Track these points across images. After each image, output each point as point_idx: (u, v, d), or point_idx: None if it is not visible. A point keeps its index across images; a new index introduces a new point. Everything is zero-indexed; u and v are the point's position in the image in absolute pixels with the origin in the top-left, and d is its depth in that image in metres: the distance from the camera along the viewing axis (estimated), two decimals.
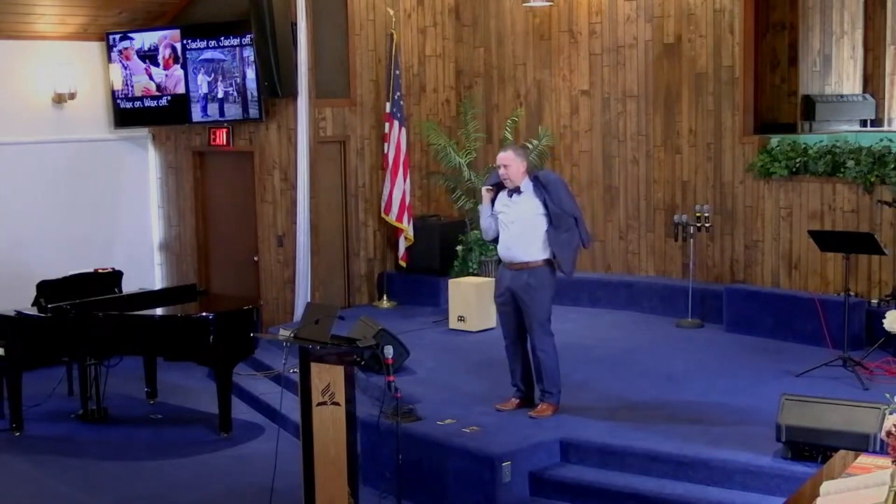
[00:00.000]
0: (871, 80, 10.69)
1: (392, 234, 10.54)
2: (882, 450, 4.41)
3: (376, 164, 10.48)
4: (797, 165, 9.02)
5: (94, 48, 10.57)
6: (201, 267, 10.96)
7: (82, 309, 8.01)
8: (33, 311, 8.16)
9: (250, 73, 9.83)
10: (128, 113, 10.62)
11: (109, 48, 10.51)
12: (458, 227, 10.48)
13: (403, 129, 10.18)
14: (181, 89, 10.30)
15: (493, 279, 8.12)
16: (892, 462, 3.68)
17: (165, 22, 10.66)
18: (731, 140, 9.55)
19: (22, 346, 8.12)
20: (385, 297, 10.46)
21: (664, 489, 5.97)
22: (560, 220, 6.75)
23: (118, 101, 10.60)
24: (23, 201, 10.12)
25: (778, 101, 9.86)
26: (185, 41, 10.20)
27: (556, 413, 6.85)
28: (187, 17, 10.58)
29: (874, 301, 8.46)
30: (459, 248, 10.22)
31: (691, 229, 9.38)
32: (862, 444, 5.41)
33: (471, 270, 10.10)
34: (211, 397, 8.09)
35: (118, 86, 10.58)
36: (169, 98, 10.39)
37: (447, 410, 6.98)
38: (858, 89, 10.57)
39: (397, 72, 10.17)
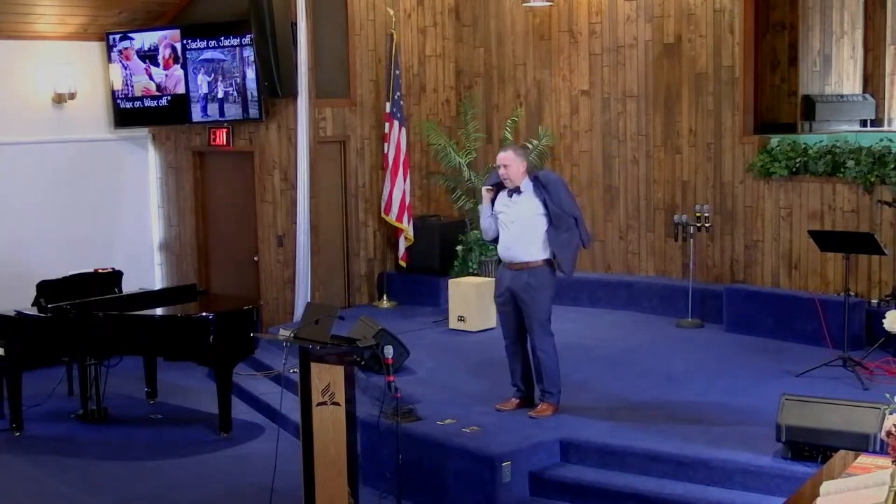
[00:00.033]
0: (871, 80, 10.69)
1: (392, 234, 10.54)
2: (882, 450, 4.41)
3: (376, 164, 10.48)
4: (797, 165, 9.02)
5: (94, 48, 10.57)
6: (201, 267, 10.96)
7: (82, 309, 8.01)
8: (33, 311, 8.16)
9: (250, 73, 9.84)
10: (128, 113, 10.63)
11: (109, 48, 10.51)
12: (458, 227, 10.48)
13: (403, 129, 10.18)
14: (181, 89, 10.30)
15: (493, 279, 8.12)
16: (892, 462, 3.67)
17: (165, 22, 10.66)
18: (731, 140, 9.55)
19: (22, 346, 8.12)
20: (385, 297, 10.46)
21: (664, 489, 5.97)
22: (560, 220, 6.75)
23: (118, 101, 10.60)
24: (23, 201, 10.12)
25: (778, 101, 9.86)
26: (185, 41, 10.20)
27: (556, 413, 6.85)
28: (187, 17, 10.58)
29: (874, 301, 8.46)
30: (459, 248, 10.22)
31: (691, 229, 9.38)
32: (862, 444, 5.41)
33: (471, 270, 10.10)
34: (211, 397, 8.09)
35: (118, 86, 10.58)
36: (169, 98, 10.39)
37: (447, 410, 6.98)
38: (858, 89, 10.57)
39: (397, 72, 10.17)
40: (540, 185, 6.79)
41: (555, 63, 10.56)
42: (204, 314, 7.93)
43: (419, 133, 10.81)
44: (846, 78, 10.38)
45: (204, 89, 10.19)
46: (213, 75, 10.11)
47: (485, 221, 7.01)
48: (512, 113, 10.59)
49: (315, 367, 5.87)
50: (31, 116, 10.15)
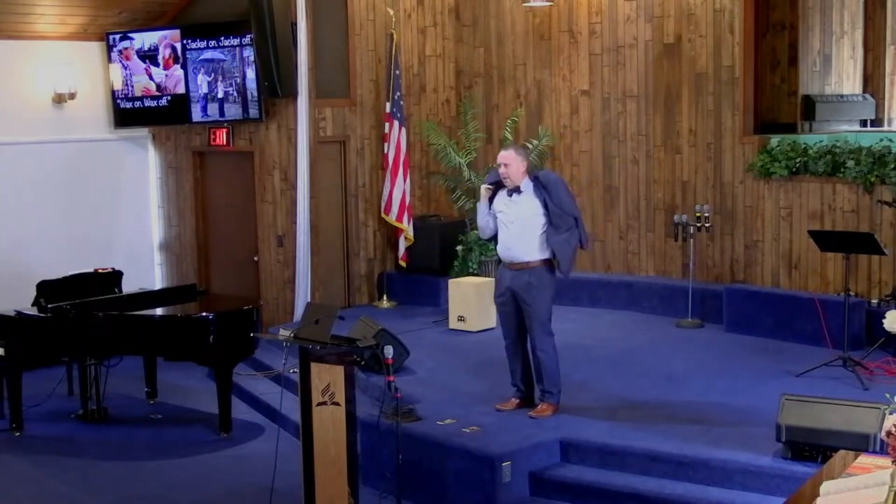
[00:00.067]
0: (871, 80, 10.69)
1: (392, 234, 10.54)
2: (882, 450, 4.41)
3: (376, 164, 10.48)
4: (797, 165, 9.02)
5: (94, 48, 10.57)
6: (201, 267, 10.96)
7: (82, 309, 8.01)
8: (33, 311, 8.16)
9: (250, 73, 9.84)
10: (128, 113, 10.63)
11: (109, 48, 10.51)
12: (458, 227, 10.48)
13: (403, 129, 10.18)
14: (181, 89, 10.30)
15: (493, 279, 8.12)
16: (892, 462, 3.68)
17: (165, 22, 10.66)
18: (731, 140, 9.55)
19: (22, 346, 8.12)
20: (385, 297, 10.46)
21: (664, 489, 5.97)
22: (560, 220, 6.75)
23: (118, 101, 10.60)
24: (23, 201, 10.12)
25: (778, 101, 9.86)
26: (185, 41, 10.20)
27: (556, 413, 6.85)
28: (187, 17, 10.58)
29: (874, 301, 8.46)
30: (459, 248, 10.22)
31: (691, 229, 9.38)
32: (862, 444, 5.41)
33: (471, 270, 10.10)
34: (211, 397, 8.09)
35: (118, 86, 10.58)
36: (169, 98, 10.39)
37: (447, 410, 6.98)
38: (858, 89, 10.57)
39: (397, 72, 10.17)
40: (540, 185, 6.79)
41: (555, 63, 10.56)
42: (204, 314, 7.93)
43: (419, 133, 10.81)
44: (846, 78, 10.38)
45: (204, 89, 10.19)
46: (213, 75, 10.11)
47: (482, 220, 7.01)
48: (512, 113, 10.59)
49: (315, 367, 5.87)
50: (31, 116, 10.15)
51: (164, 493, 6.87)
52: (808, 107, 9.78)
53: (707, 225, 9.39)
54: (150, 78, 10.43)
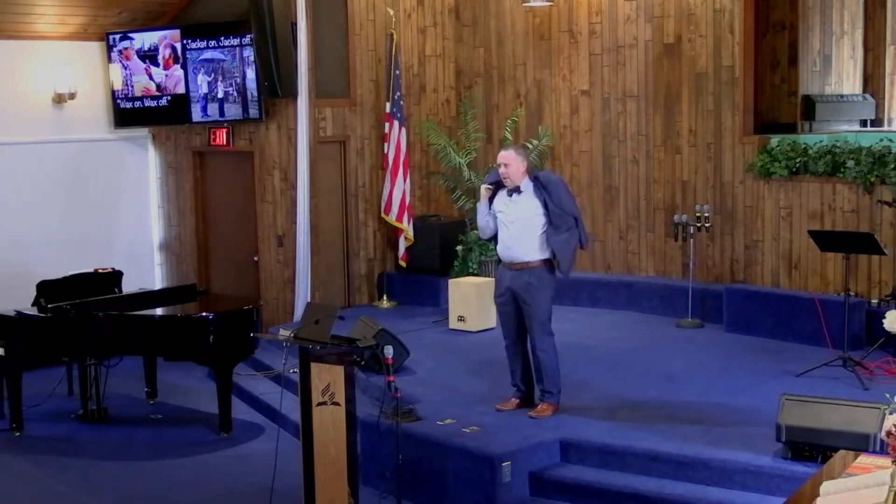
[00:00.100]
0: (871, 80, 10.69)
1: (392, 234, 10.54)
2: (882, 450, 4.41)
3: (376, 164, 10.48)
4: (797, 165, 9.02)
5: (94, 48, 10.57)
6: (201, 267, 10.96)
7: (82, 309, 8.01)
8: (33, 311, 8.16)
9: (250, 73, 9.84)
10: (128, 113, 10.63)
11: (109, 48, 10.51)
12: (458, 227, 10.48)
13: (403, 129, 10.18)
14: (181, 89, 10.30)
15: (493, 279, 8.11)
16: (892, 462, 3.68)
17: (165, 22, 10.66)
18: (731, 140, 9.55)
19: (22, 346, 8.12)
20: (385, 297, 10.46)
21: (664, 489, 5.97)
22: (560, 220, 6.75)
23: (118, 101, 10.60)
24: (23, 201, 10.12)
25: (778, 101, 9.86)
26: (185, 41, 10.20)
27: (556, 413, 6.85)
28: (187, 17, 10.58)
29: (874, 301, 8.46)
30: (459, 248, 10.22)
31: (691, 229, 9.38)
32: (862, 444, 5.41)
33: (471, 270, 10.10)
34: (211, 397, 8.09)
35: (118, 86, 10.58)
36: (169, 98, 10.39)
37: (447, 410, 6.98)
38: (858, 89, 10.57)
39: (397, 72, 10.17)
40: (540, 186, 6.79)
41: (555, 63, 10.56)
42: (204, 314, 7.93)
43: (419, 133, 10.81)
44: (846, 78, 10.38)
45: (204, 89, 10.19)
46: (213, 75, 10.11)
47: (482, 220, 7.01)
48: (512, 113, 10.59)
49: (315, 367, 5.87)
50: (31, 116, 10.15)
51: (164, 493, 6.87)
52: (808, 107, 9.78)
53: (707, 225, 9.39)
54: (150, 78, 10.43)
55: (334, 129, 10.19)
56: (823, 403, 5.85)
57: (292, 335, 5.97)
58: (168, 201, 11.12)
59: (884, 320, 7.73)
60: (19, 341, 8.11)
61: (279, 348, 7.07)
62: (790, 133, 9.51)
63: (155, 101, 10.46)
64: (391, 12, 10.29)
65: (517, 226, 6.79)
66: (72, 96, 10.31)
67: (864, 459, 4.26)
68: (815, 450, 5.76)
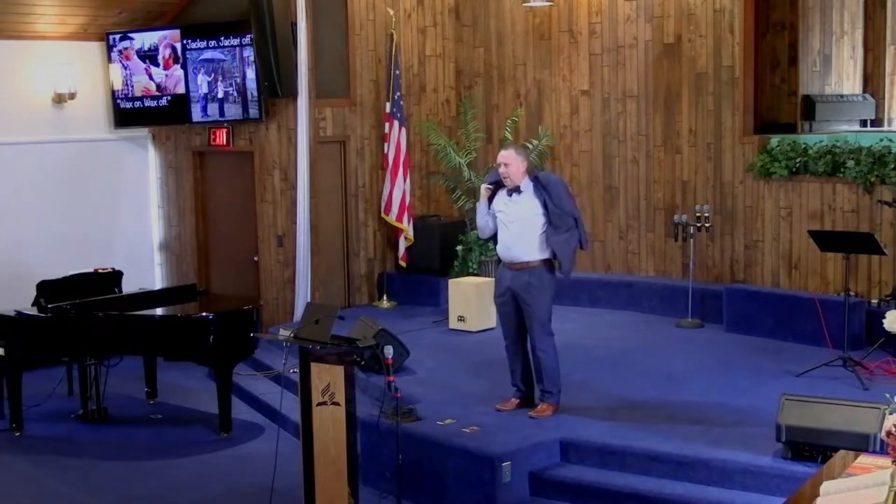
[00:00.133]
0: (871, 80, 10.69)
1: (392, 234, 10.54)
2: (882, 450, 4.41)
3: (376, 164, 10.48)
4: (797, 165, 9.02)
5: (94, 48, 10.57)
6: (201, 267, 10.96)
7: (82, 309, 8.01)
8: (33, 311, 8.15)
9: (250, 73, 9.84)
10: (128, 113, 10.63)
11: (109, 48, 10.51)
12: (458, 227, 10.48)
13: (403, 129, 10.18)
14: (181, 89, 10.30)
15: (493, 279, 8.11)
16: (892, 462, 3.67)
17: (165, 22, 10.66)
18: (731, 140, 9.55)
19: (22, 346, 8.12)
20: (385, 297, 10.46)
21: (664, 489, 5.97)
22: (560, 221, 6.75)
23: (118, 101, 10.60)
24: (23, 201, 10.12)
25: (778, 101, 9.86)
26: (185, 41, 10.20)
27: (556, 413, 6.85)
28: (187, 17, 10.58)
29: (874, 301, 8.46)
30: (459, 248, 10.22)
31: (691, 229, 9.38)
32: (862, 444, 5.41)
33: (471, 270, 10.10)
34: (211, 397, 8.09)
35: (118, 86, 10.58)
36: (169, 98, 10.39)
37: (447, 410, 6.98)
38: (858, 89, 10.57)
39: (397, 72, 10.17)
40: (540, 186, 6.79)
41: (555, 63, 10.56)
42: (204, 314, 7.93)
43: (419, 133, 10.81)
44: (846, 78, 10.38)
45: (204, 89, 10.19)
46: (213, 75, 10.11)
47: (481, 219, 7.01)
48: (512, 113, 10.59)
49: (315, 367, 5.87)
50: (31, 116, 10.15)
51: (164, 493, 6.87)
52: (808, 107, 9.78)
53: (707, 225, 9.39)
54: (150, 78, 10.43)
55: (334, 129, 10.19)
56: (823, 403, 5.85)
57: (292, 335, 5.97)
58: (168, 201, 11.12)
59: (884, 320, 7.73)
60: (19, 341, 8.11)
61: (279, 348, 7.07)
62: (790, 133, 9.51)
63: (155, 101, 10.46)
64: (391, 12, 10.29)
65: (517, 226, 6.79)
66: (72, 96, 10.31)
67: (864, 459, 4.26)
68: (815, 450, 5.76)
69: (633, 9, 10.02)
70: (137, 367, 8.76)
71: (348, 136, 10.31)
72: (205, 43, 10.10)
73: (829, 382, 7.23)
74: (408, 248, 10.36)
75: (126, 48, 10.47)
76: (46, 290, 8.26)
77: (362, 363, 6.67)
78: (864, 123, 10.41)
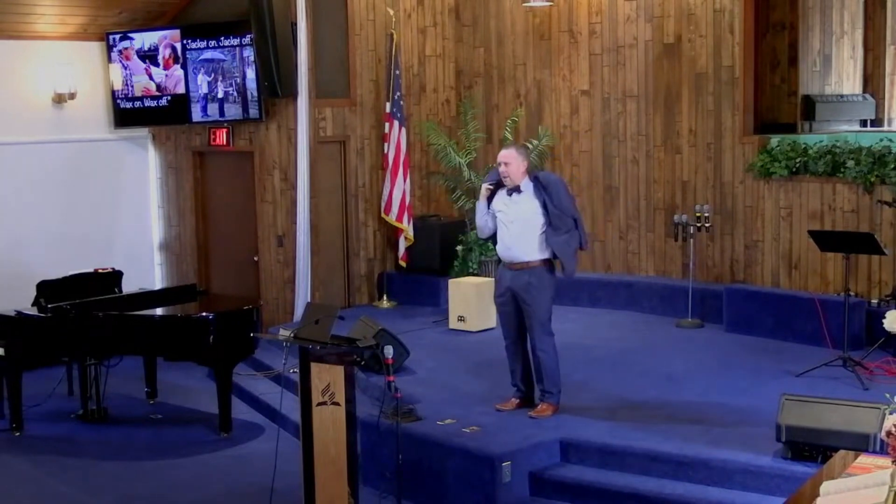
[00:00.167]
0: (871, 80, 10.69)
1: (392, 234, 10.54)
2: (882, 450, 4.41)
3: (376, 164, 10.48)
4: (797, 165, 9.02)
5: (94, 48, 10.57)
6: (201, 267, 10.96)
7: (82, 309, 8.01)
8: (33, 311, 8.15)
9: (250, 73, 9.84)
10: (128, 113, 10.63)
11: (109, 48, 10.51)
12: (458, 227, 10.48)
13: (403, 129, 10.18)
14: (181, 89, 10.30)
15: (493, 279, 8.12)
16: (892, 462, 3.68)
17: (165, 22, 10.66)
18: (731, 140, 9.55)
19: (22, 346, 8.12)
20: (385, 297, 10.46)
21: (664, 489, 5.97)
22: (559, 221, 6.75)
23: (118, 101, 10.60)
24: (23, 201, 10.12)
25: (778, 101, 9.86)
26: (185, 41, 10.20)
27: (556, 413, 6.84)
28: (187, 17, 10.58)
29: (874, 301, 8.46)
30: (459, 248, 10.22)
31: (691, 229, 9.38)
32: (862, 444, 5.41)
33: (471, 270, 10.10)
34: (211, 397, 8.09)
35: (118, 86, 10.58)
36: (169, 98, 10.39)
37: (447, 410, 6.98)
38: (858, 89, 10.57)
39: (397, 72, 10.17)
40: (540, 186, 6.78)
41: (555, 63, 10.56)
42: (204, 314, 7.93)
43: (419, 133, 10.81)
44: (846, 78, 10.38)
45: (204, 89, 10.19)
46: (213, 75, 10.11)
47: (480, 219, 7.01)
48: (512, 113, 10.59)
49: (315, 367, 5.87)
50: (31, 116, 10.15)
51: (164, 493, 6.87)
52: (808, 107, 9.78)
53: (707, 225, 9.39)
54: (150, 78, 10.43)
55: (334, 129, 10.19)
56: (823, 403, 5.85)
57: (292, 335, 5.97)
58: (168, 201, 11.12)
59: (884, 320, 7.73)
60: (19, 341, 8.11)
61: (279, 348, 7.07)
62: (790, 133, 9.51)
63: (155, 101, 10.46)
64: (391, 12, 10.29)
65: (517, 226, 6.78)
66: (72, 96, 10.31)
67: (864, 459, 4.26)
68: (815, 450, 5.76)
69: (633, 9, 10.02)
70: (137, 367, 8.76)
71: (348, 136, 10.31)
72: (205, 43, 10.10)
73: (829, 382, 7.23)
74: (408, 248, 10.36)
75: (126, 48, 10.47)
76: (46, 290, 8.26)
77: (362, 363, 6.67)
78: (864, 123, 10.41)
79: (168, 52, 10.30)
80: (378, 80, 10.44)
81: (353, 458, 5.86)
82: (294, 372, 6.98)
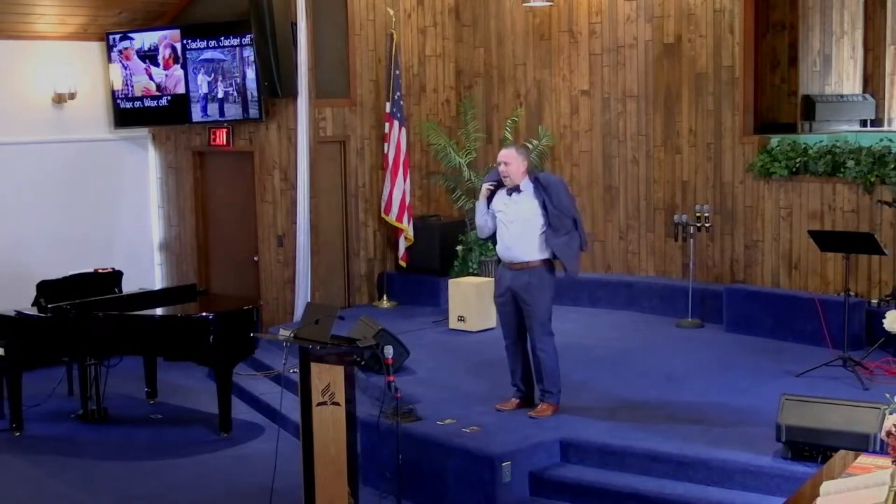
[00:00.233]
0: (871, 80, 10.69)
1: (392, 234, 10.54)
2: (882, 450, 4.41)
3: (376, 164, 10.48)
4: (797, 165, 9.02)
5: (94, 48, 10.57)
6: (201, 267, 10.96)
7: (82, 309, 8.01)
8: (33, 311, 8.16)
9: (250, 73, 9.84)
10: (128, 113, 10.63)
11: (109, 48, 10.51)
12: (458, 227, 10.48)
13: (403, 129, 10.18)
14: (181, 89, 10.30)
15: (493, 279, 8.11)
16: (892, 462, 3.68)
17: (165, 22, 10.66)
18: (731, 140, 9.55)
19: (22, 346, 8.12)
20: (385, 297, 10.46)
21: (664, 489, 5.97)
22: (559, 222, 6.75)
23: (118, 101, 10.60)
24: (23, 201, 10.12)
25: (778, 101, 9.86)
26: (185, 41, 10.20)
27: (556, 413, 6.84)
28: (187, 17, 10.58)
29: (874, 301, 8.46)
30: (459, 248, 10.22)
31: (691, 229, 9.38)
32: (862, 444, 5.41)
33: (471, 270, 10.10)
34: (211, 397, 8.09)
35: (118, 86, 10.58)
36: (169, 98, 10.39)
37: (447, 410, 6.98)
38: (858, 89, 10.57)
39: (397, 72, 10.17)
40: (540, 187, 6.78)
41: (555, 63, 10.56)
42: (204, 314, 7.93)
43: (419, 133, 10.81)
44: (846, 78, 10.38)
45: (204, 89, 10.19)
46: (213, 75, 10.11)
47: (480, 219, 7.00)
48: (512, 113, 10.59)
49: (315, 367, 5.87)
50: (31, 116, 10.15)
51: (164, 493, 6.87)
52: (808, 107, 9.78)
53: (707, 225, 9.39)
54: (150, 78, 10.43)
55: (334, 129, 10.19)
56: (823, 403, 5.85)
57: (292, 335, 5.97)
58: (168, 201, 11.12)
59: (884, 320, 7.73)
60: (19, 341, 8.11)
61: (279, 348, 7.07)
62: (790, 133, 9.51)
63: (155, 101, 10.46)
64: (391, 12, 10.29)
65: (517, 225, 6.78)
66: (72, 96, 10.31)
67: (864, 459, 4.26)
68: (815, 450, 5.76)
69: (633, 9, 10.02)
70: (137, 367, 8.76)
71: (348, 136, 10.31)
72: (205, 43, 10.10)
73: (829, 382, 7.23)
74: (408, 248, 10.36)
75: (126, 48, 10.47)
76: (46, 290, 8.26)
77: (362, 363, 6.67)
78: (864, 123, 10.41)
79: (168, 52, 10.30)
80: (378, 80, 10.44)
81: (353, 458, 5.86)
82: (294, 372, 6.98)
